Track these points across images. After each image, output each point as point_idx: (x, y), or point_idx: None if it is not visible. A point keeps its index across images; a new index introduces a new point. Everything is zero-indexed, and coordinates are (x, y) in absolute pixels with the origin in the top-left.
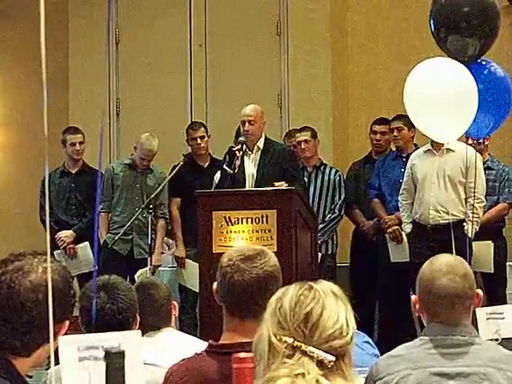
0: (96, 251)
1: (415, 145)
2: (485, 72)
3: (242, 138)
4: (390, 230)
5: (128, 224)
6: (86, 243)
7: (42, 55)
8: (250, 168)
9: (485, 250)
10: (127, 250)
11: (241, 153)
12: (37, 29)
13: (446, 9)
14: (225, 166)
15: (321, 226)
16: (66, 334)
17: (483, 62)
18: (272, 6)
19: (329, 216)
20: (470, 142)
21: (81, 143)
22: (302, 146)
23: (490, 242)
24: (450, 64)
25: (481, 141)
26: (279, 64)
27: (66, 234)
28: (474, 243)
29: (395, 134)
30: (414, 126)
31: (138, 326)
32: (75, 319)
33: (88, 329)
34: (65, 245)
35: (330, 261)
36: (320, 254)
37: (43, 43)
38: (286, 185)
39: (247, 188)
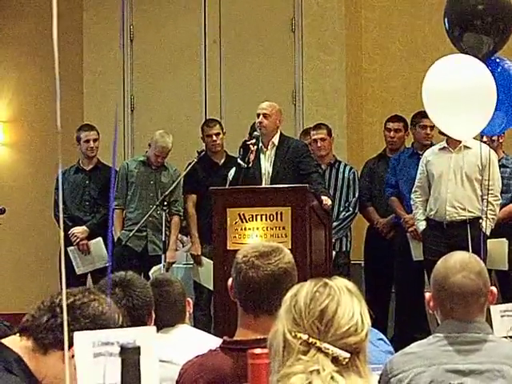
0: (110, 248)
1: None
2: (498, 69)
3: (256, 133)
4: (411, 229)
5: (142, 221)
6: (99, 239)
7: (55, 54)
8: (266, 165)
9: (499, 247)
10: (141, 247)
11: (255, 147)
12: (51, 26)
13: (461, 7)
14: (239, 160)
15: (335, 223)
16: None
17: (497, 60)
18: (286, 2)
19: (343, 213)
20: (484, 139)
21: (95, 140)
22: (318, 145)
23: (504, 239)
24: (468, 60)
25: (494, 138)
26: (293, 61)
27: (79, 230)
28: (488, 241)
29: (428, 131)
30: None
31: (153, 323)
32: None
33: None
34: (78, 240)
35: (344, 258)
36: (334, 252)
37: (56, 40)
38: (330, 203)
39: (263, 185)
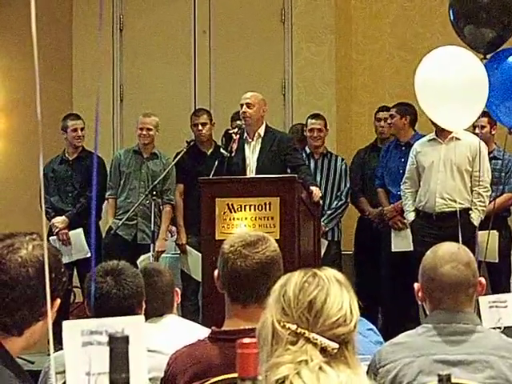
0: (93, 237)
1: (419, 134)
2: None
3: (239, 122)
4: (392, 220)
5: (132, 210)
6: (80, 230)
7: (34, 43)
8: (250, 155)
9: (490, 239)
10: (132, 236)
11: (237, 136)
12: (40, 14)
13: None
14: (221, 149)
15: (329, 212)
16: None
17: None
18: None
19: (336, 203)
20: (477, 131)
21: (82, 129)
22: (315, 135)
23: (494, 231)
24: (461, 53)
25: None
26: (283, 51)
27: (58, 220)
28: (478, 233)
29: (389, 121)
30: (408, 114)
31: (142, 313)
32: (80, 303)
33: (94, 313)
34: (57, 230)
35: (336, 248)
36: (327, 242)
37: (34, 28)
38: (320, 194)
39: (248, 175)
